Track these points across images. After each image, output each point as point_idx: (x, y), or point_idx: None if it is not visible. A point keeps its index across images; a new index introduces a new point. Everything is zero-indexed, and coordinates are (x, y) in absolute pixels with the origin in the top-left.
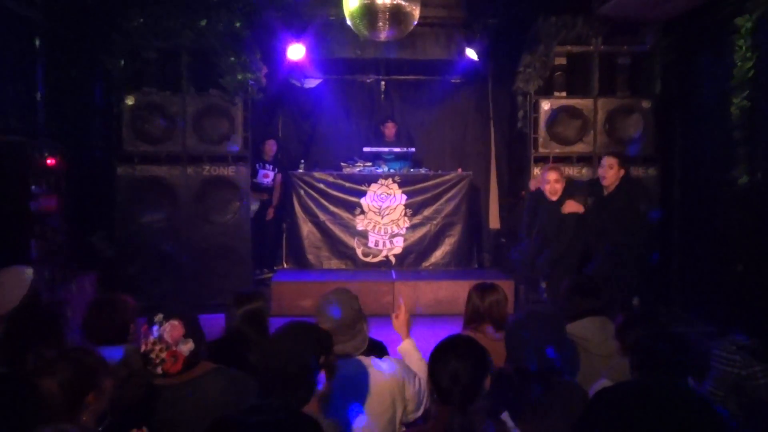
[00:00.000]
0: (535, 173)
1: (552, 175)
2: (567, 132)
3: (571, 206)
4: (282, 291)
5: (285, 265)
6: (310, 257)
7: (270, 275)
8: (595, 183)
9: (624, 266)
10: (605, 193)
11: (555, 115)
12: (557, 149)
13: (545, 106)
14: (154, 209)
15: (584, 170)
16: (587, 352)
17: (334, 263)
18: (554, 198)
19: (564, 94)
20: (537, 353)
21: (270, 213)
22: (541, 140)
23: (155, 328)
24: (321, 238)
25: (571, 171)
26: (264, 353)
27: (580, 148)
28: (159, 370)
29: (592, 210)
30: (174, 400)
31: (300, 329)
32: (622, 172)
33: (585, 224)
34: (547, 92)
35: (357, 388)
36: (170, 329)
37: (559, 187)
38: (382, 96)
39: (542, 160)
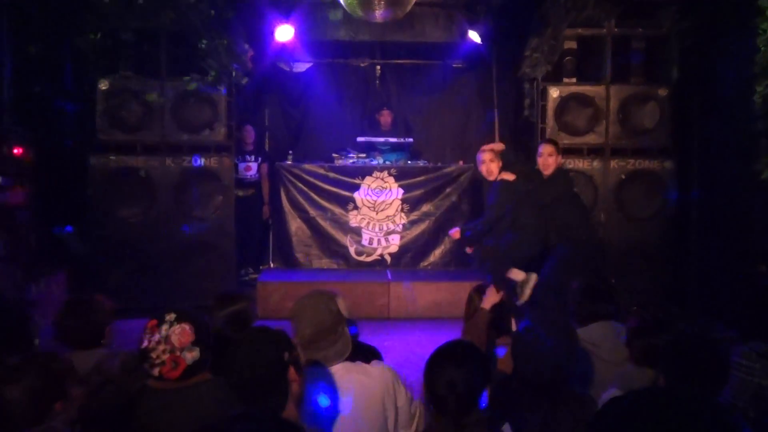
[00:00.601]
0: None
1: (486, 156)
2: (577, 121)
3: (503, 174)
4: (268, 292)
5: (272, 265)
6: (299, 256)
7: (256, 275)
8: (536, 172)
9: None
10: (544, 177)
11: (564, 103)
12: (566, 140)
13: (554, 93)
14: (131, 203)
15: (595, 163)
16: (597, 358)
17: (325, 262)
18: (491, 178)
19: (574, 80)
20: (546, 362)
21: (265, 212)
22: (549, 130)
23: (164, 327)
24: (311, 236)
25: (582, 164)
26: (229, 367)
27: (591, 138)
28: (156, 371)
29: (533, 192)
30: (162, 406)
31: (255, 334)
32: (560, 159)
33: (526, 203)
34: (555, 78)
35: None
36: (180, 332)
37: (494, 166)
38: (378, 81)
39: None
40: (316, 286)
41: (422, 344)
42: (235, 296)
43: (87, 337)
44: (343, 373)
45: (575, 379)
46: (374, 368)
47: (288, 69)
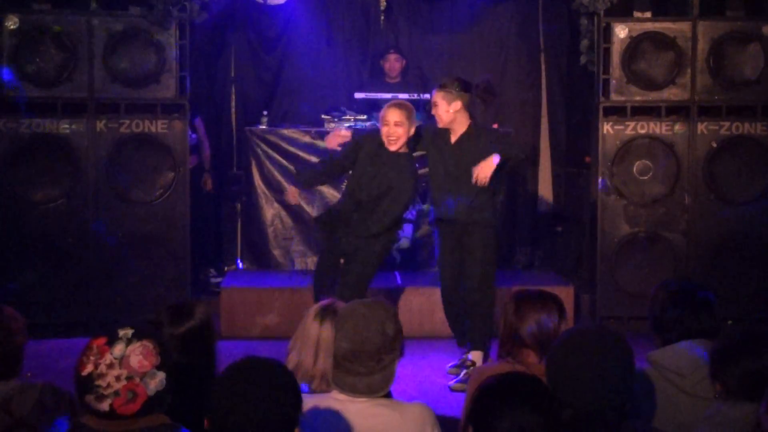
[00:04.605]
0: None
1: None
2: (653, 70)
3: None
4: (234, 303)
5: (240, 265)
6: (277, 253)
7: (218, 279)
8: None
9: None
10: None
11: (635, 45)
12: (638, 96)
13: (621, 32)
14: (47, 182)
15: (677, 126)
16: (681, 392)
17: (312, 261)
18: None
19: (649, 14)
20: (593, 389)
21: (207, 182)
22: (614, 82)
23: (118, 346)
24: (293, 226)
25: (658, 128)
26: (226, 421)
27: (671, 93)
28: (104, 405)
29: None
30: None
31: (270, 371)
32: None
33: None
34: (624, 12)
35: None
36: (141, 353)
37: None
38: (383, 16)
39: (616, 111)
40: (301, 295)
41: (444, 372)
42: (192, 308)
43: None
44: (369, 407)
45: (638, 410)
46: (410, 405)
47: (261, 0)
